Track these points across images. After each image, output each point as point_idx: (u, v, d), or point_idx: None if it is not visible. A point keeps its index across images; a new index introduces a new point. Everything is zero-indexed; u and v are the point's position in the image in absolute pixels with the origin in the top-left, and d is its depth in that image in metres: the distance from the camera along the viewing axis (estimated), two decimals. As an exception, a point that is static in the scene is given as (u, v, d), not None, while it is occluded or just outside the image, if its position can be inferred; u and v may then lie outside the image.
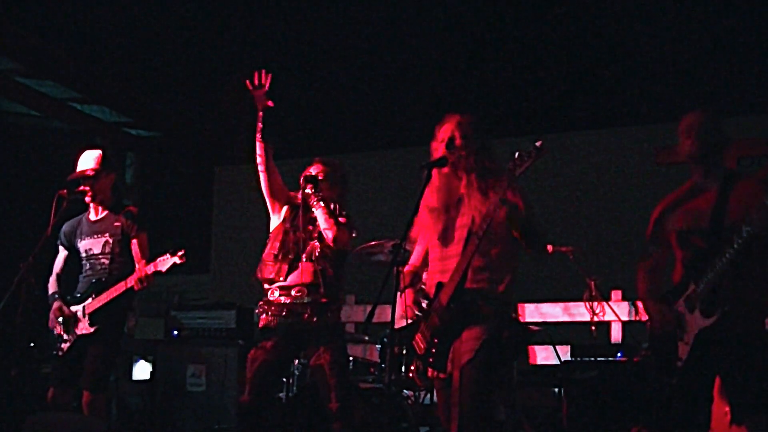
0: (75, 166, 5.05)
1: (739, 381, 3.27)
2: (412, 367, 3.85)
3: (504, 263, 3.68)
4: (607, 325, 6.26)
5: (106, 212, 5.05)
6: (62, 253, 5.15)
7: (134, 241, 4.94)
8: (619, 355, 5.33)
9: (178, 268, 5.12)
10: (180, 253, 4.71)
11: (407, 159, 8.97)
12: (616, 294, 6.36)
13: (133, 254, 4.93)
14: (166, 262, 4.73)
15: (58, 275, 5.12)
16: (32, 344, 5.28)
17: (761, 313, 3.33)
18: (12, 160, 8.43)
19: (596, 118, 8.37)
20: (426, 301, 3.76)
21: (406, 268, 3.94)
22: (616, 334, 6.28)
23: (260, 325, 4.40)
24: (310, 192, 4.34)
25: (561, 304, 6.67)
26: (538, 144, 3.39)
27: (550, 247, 5.25)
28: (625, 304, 6.28)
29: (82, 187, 4.99)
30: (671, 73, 7.45)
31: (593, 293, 5.87)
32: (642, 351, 5.25)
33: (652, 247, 3.66)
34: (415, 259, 3.99)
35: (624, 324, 6.21)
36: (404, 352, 4.80)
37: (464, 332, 3.60)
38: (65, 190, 4.89)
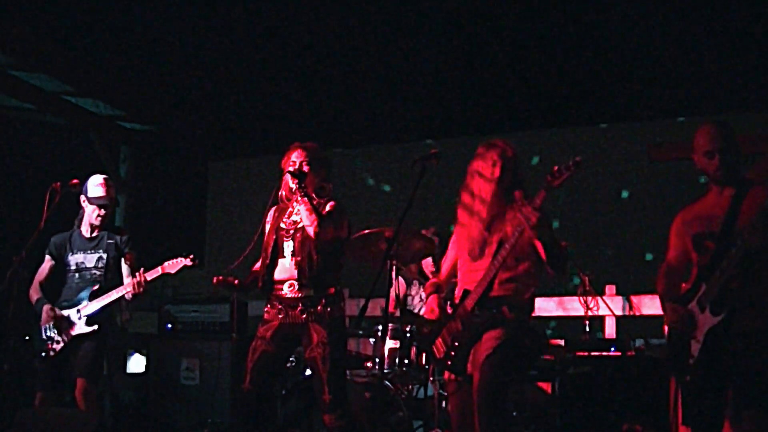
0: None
1: (744, 378, 3.35)
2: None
3: (529, 278, 3.90)
4: (601, 319, 6.28)
5: (100, 231, 5.26)
6: (49, 262, 5.29)
7: (125, 257, 5.21)
8: (612, 349, 5.34)
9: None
10: (191, 256, 4.95)
11: (403, 153, 9.00)
12: (610, 288, 6.37)
13: (123, 270, 5.18)
14: (176, 264, 4.97)
15: (41, 283, 5.24)
16: (27, 337, 5.29)
17: None
18: (5, 153, 8.39)
19: (590, 114, 8.38)
20: (451, 307, 3.94)
21: (432, 280, 4.20)
22: (609, 329, 6.30)
23: (264, 317, 4.47)
24: (294, 187, 4.37)
25: (555, 299, 6.67)
26: (577, 159, 3.57)
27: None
28: (619, 298, 6.29)
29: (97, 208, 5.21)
30: (664, 69, 7.44)
31: (587, 288, 5.89)
32: (637, 346, 5.27)
33: (671, 252, 3.77)
34: (441, 273, 4.20)
35: (618, 318, 6.23)
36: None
37: (484, 335, 3.79)
38: (58, 184, 4.98)
